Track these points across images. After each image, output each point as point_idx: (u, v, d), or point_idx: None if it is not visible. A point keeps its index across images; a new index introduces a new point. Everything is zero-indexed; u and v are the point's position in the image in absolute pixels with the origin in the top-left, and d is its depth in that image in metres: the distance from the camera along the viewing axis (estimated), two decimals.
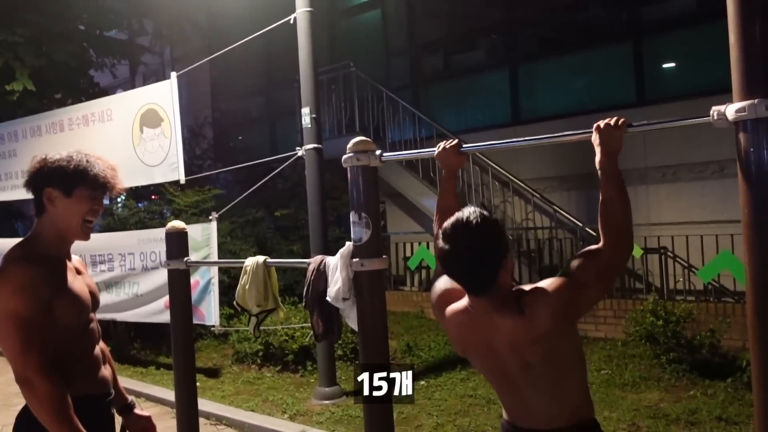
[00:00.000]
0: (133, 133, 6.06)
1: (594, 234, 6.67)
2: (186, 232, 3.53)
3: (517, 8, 9.40)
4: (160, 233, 5.74)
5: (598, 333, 6.74)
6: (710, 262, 5.95)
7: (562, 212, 7.68)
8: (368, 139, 2.51)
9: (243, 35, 5.96)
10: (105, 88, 11.21)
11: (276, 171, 6.21)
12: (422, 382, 5.67)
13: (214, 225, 5.96)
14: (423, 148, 6.16)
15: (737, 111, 1.65)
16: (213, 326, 6.12)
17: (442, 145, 2.27)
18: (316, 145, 5.56)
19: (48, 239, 2.02)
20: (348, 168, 2.48)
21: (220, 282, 6.28)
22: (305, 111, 5.56)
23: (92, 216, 2.07)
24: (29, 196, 2.07)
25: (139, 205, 9.11)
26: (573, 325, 1.83)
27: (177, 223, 3.53)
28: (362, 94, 9.38)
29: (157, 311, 6.29)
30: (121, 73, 12.19)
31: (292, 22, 5.54)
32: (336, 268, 2.53)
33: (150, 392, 6.07)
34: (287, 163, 5.93)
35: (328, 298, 2.56)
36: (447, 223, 1.81)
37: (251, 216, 8.95)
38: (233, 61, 9.30)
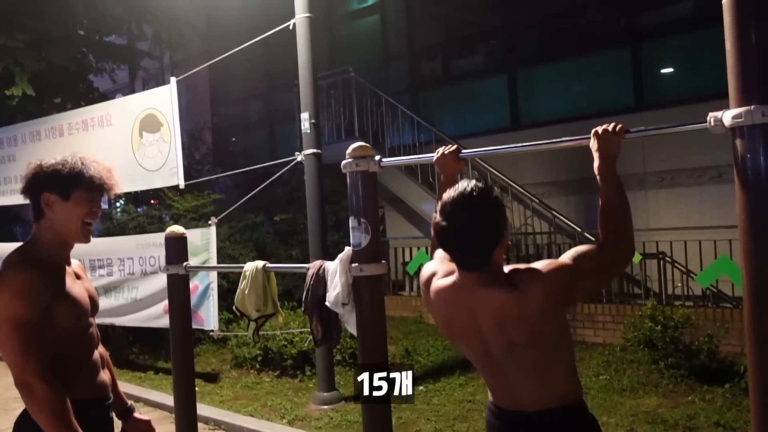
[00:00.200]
0: (132, 137, 6.07)
1: (593, 239, 6.68)
2: (185, 237, 3.54)
3: (516, 13, 9.43)
4: (159, 238, 5.74)
5: (596, 338, 6.75)
6: (708, 268, 5.94)
7: (561, 217, 7.68)
8: (367, 144, 2.52)
9: (242, 40, 5.97)
10: (104, 92, 11.22)
11: (275, 176, 6.21)
12: (421, 387, 5.66)
13: (213, 230, 5.96)
14: (422, 153, 6.16)
15: (734, 117, 1.66)
16: (212, 331, 6.10)
17: (441, 150, 2.28)
18: (315, 150, 5.56)
19: (47, 244, 2.02)
20: (347, 173, 2.49)
21: (219, 287, 6.27)
22: (304, 116, 5.56)
23: (91, 218, 2.07)
24: (27, 201, 2.08)
25: (139, 209, 9.13)
26: (562, 311, 1.82)
27: (176, 228, 3.54)
28: (361, 99, 9.40)
29: (156, 316, 6.28)
30: (121, 77, 12.21)
31: (291, 27, 5.54)
32: (335, 273, 2.54)
33: (149, 397, 6.05)
34: (286, 168, 5.94)
35: (327, 303, 2.57)
36: (447, 195, 1.78)
37: (250, 221, 8.95)
38: (233, 66, 9.31)
